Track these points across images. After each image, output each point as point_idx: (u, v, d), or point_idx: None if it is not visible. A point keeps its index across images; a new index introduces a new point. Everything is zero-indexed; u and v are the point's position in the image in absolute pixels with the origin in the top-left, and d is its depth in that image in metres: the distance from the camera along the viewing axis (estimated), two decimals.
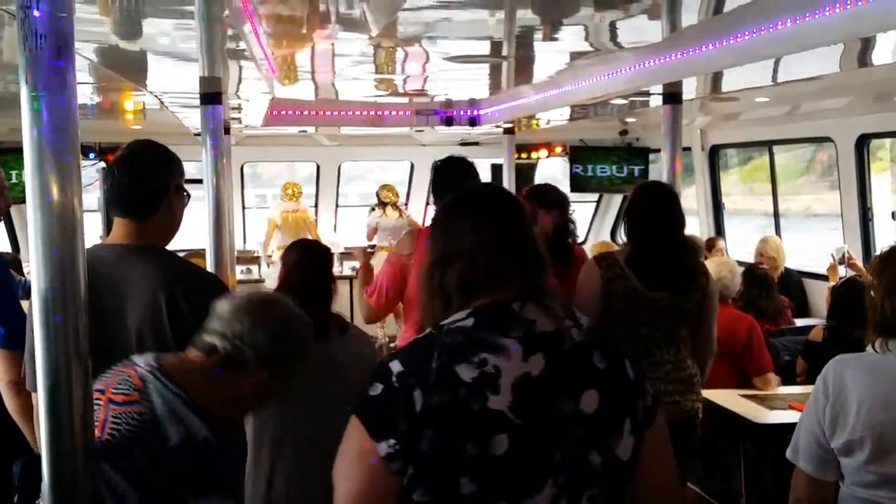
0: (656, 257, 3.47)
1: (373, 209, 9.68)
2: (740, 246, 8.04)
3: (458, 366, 1.54)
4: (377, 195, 9.68)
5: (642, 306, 3.45)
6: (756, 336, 4.54)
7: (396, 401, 1.54)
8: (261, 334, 1.99)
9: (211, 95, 3.86)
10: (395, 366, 1.58)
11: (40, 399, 1.72)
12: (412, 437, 1.52)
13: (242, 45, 3.98)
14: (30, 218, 1.68)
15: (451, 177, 3.83)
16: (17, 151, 6.85)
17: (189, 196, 2.61)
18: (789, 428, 3.96)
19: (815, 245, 8.20)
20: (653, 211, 3.50)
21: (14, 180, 8.01)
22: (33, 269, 1.70)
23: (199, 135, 6.19)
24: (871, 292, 2.30)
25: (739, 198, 9.65)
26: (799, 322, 5.93)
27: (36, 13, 1.63)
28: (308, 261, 3.15)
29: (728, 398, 4.33)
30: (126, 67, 4.60)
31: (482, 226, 1.70)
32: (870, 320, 2.28)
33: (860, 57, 3.51)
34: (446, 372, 1.54)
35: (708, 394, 4.28)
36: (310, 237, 9.14)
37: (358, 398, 1.62)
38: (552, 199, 4.21)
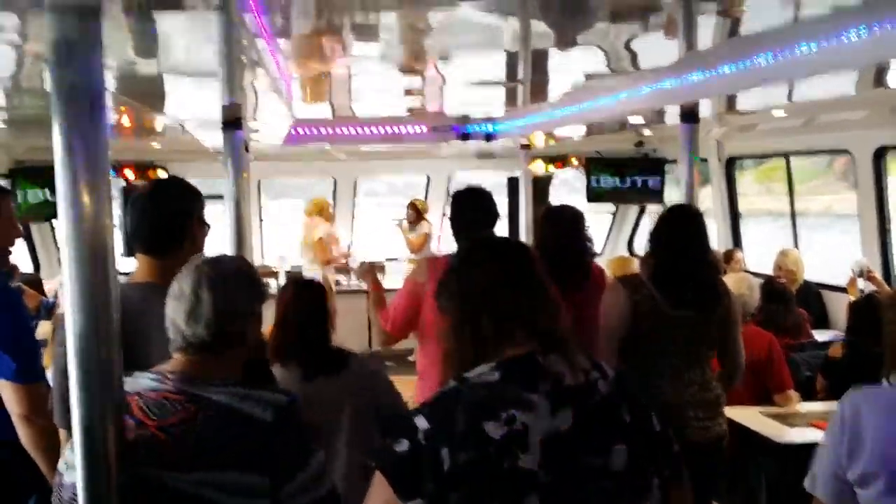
0: (677, 274, 3.49)
1: (403, 221, 9.69)
2: (758, 248, 7.98)
3: (486, 423, 1.53)
4: (417, 207, 9.65)
5: (667, 324, 3.46)
6: (776, 353, 4.53)
7: (423, 459, 1.53)
8: (236, 306, 1.98)
9: (233, 122, 3.94)
10: (421, 422, 1.57)
11: (76, 435, 1.76)
12: (440, 497, 1.51)
13: (262, 71, 4.02)
14: (64, 260, 1.74)
15: (469, 207, 3.86)
16: (35, 171, 6.96)
17: (209, 227, 2.64)
18: (811, 447, 4.00)
19: (836, 248, 8.13)
20: (676, 230, 3.54)
21: (23, 199, 8.14)
22: (67, 306, 1.74)
23: (218, 153, 6.23)
24: (887, 326, 2.31)
25: (756, 198, 9.55)
26: (818, 335, 5.91)
27: (67, 68, 1.67)
28: (302, 298, 3.19)
29: (749, 416, 4.33)
30: (145, 94, 4.65)
31: (513, 275, 1.71)
32: (885, 355, 2.29)
33: (876, 79, 3.52)
34: (474, 429, 1.53)
35: (729, 412, 4.25)
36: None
37: (381, 453, 1.60)
38: (567, 217, 4.21)
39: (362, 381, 3.21)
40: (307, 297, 3.20)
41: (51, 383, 2.55)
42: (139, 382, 1.95)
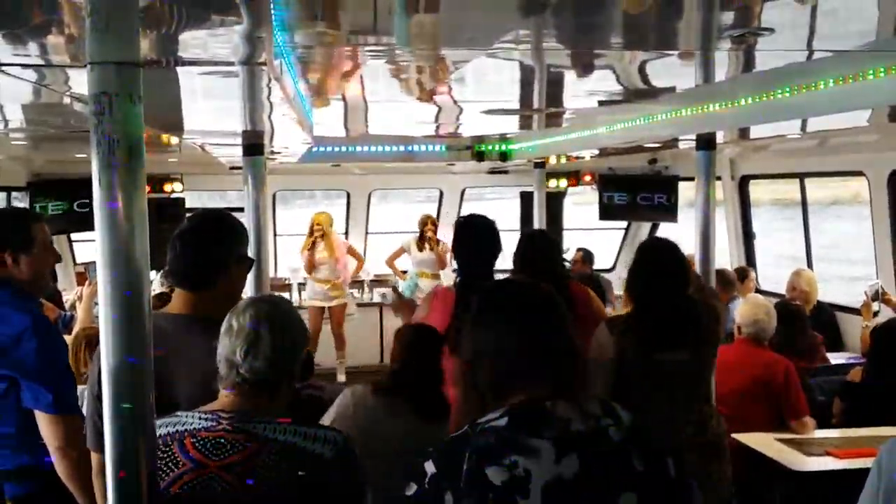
0: (659, 317, 3.39)
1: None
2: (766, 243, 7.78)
3: (488, 468, 1.56)
4: (435, 223, 9.58)
5: (654, 367, 3.36)
6: (793, 379, 4.53)
7: (428, 503, 1.59)
8: (293, 343, 2.04)
9: (253, 147, 4.00)
10: (430, 467, 1.62)
11: (108, 470, 1.80)
12: None
13: (283, 98, 4.07)
14: (102, 306, 1.78)
15: (472, 237, 3.91)
16: (53, 184, 7.02)
17: (253, 261, 2.67)
18: (826, 475, 4.01)
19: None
20: (655, 274, 3.44)
21: (42, 212, 8.19)
22: (102, 342, 1.78)
23: (234, 168, 6.23)
24: None
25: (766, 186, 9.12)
26: (832, 357, 5.91)
27: (108, 120, 1.72)
28: (422, 347, 3.37)
29: (764, 442, 4.33)
30: (164, 121, 4.69)
31: (510, 327, 1.74)
32: None
33: (890, 114, 3.54)
34: (477, 475, 1.56)
35: (744, 437, 4.30)
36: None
37: (396, 497, 1.68)
38: (541, 242, 4.21)
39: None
40: (424, 347, 3.39)
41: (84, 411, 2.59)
42: (188, 422, 1.97)
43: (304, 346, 2.09)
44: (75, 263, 8.98)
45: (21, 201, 8.43)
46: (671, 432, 3.22)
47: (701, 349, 3.44)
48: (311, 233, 9.15)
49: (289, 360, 2.02)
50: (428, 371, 3.29)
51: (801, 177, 7.63)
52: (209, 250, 2.50)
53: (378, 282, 10.19)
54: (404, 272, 9.70)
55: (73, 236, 9.11)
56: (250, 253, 3.82)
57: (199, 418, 1.96)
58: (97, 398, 2.46)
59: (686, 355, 3.38)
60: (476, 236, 3.91)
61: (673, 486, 1.65)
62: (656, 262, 3.47)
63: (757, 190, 8.55)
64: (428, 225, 9.45)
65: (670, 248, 3.54)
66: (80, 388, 3.12)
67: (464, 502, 1.56)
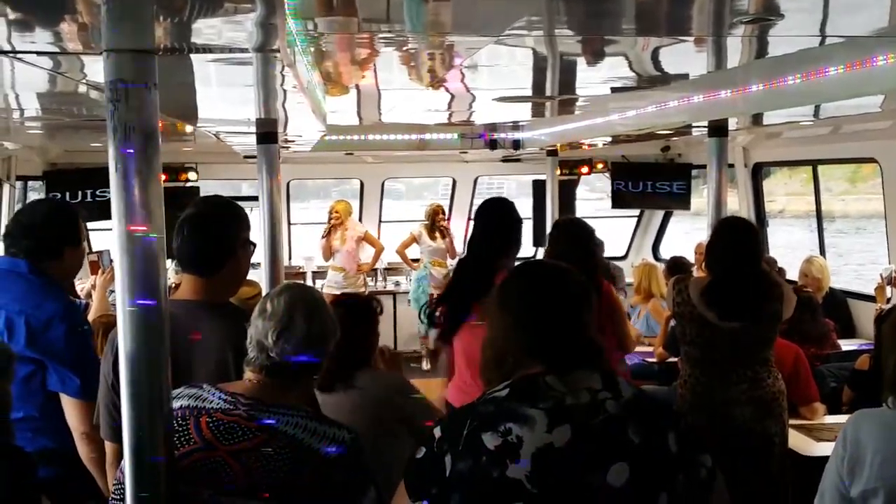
0: (727, 290, 3.70)
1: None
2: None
3: (484, 434, 1.65)
4: (444, 212, 9.65)
5: (713, 332, 3.72)
6: (803, 365, 4.54)
7: (432, 465, 1.68)
8: (324, 333, 2.07)
9: (267, 135, 4.03)
10: (437, 431, 1.72)
11: (126, 453, 1.84)
12: (442, 500, 1.66)
13: (296, 86, 4.09)
14: (119, 293, 1.81)
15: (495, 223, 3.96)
16: (69, 174, 7.09)
17: (255, 246, 2.71)
18: None
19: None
20: (725, 246, 3.77)
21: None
22: (119, 328, 1.82)
23: (248, 157, 6.26)
24: (886, 355, 2.39)
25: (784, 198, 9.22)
26: (844, 344, 5.90)
27: (124, 107, 1.75)
28: (351, 320, 3.31)
29: None
30: (179, 109, 4.72)
31: (515, 306, 1.82)
32: (884, 379, 2.37)
33: None
34: (473, 439, 1.66)
35: None
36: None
37: (409, 459, 1.76)
38: (585, 232, 4.28)
39: (374, 396, 3.32)
40: (354, 320, 3.31)
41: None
42: (208, 399, 1.99)
43: (334, 337, 2.11)
44: (90, 252, 9.04)
45: (38, 192, 8.50)
46: (724, 387, 3.70)
47: (759, 321, 3.73)
48: (330, 220, 9.23)
49: (318, 349, 2.05)
50: (359, 344, 3.26)
51: (815, 164, 7.60)
52: (218, 235, 2.54)
53: (391, 270, 10.23)
54: (415, 261, 9.72)
55: (89, 225, 9.17)
56: (263, 241, 3.90)
57: (219, 398, 1.98)
58: (111, 387, 2.51)
59: (739, 324, 3.69)
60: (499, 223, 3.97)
61: (673, 460, 1.68)
62: (731, 237, 3.79)
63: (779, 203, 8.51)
64: (439, 214, 9.48)
65: (746, 227, 3.92)
66: None
67: (459, 464, 1.65)
